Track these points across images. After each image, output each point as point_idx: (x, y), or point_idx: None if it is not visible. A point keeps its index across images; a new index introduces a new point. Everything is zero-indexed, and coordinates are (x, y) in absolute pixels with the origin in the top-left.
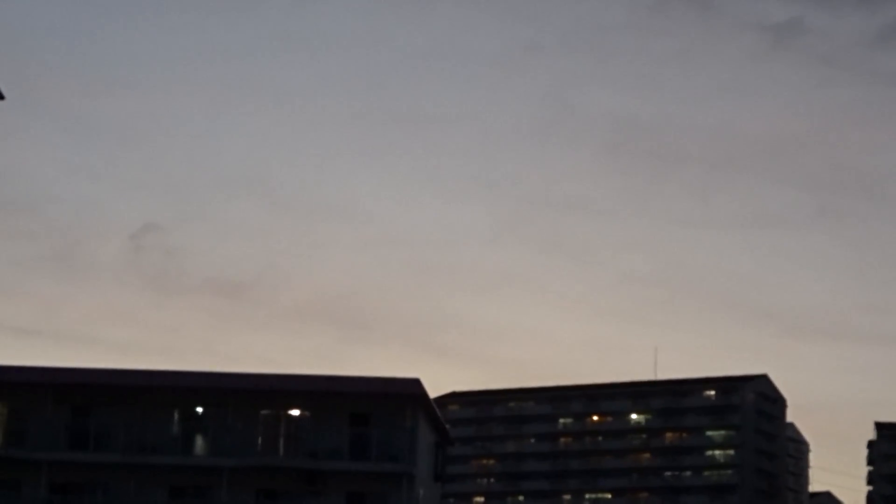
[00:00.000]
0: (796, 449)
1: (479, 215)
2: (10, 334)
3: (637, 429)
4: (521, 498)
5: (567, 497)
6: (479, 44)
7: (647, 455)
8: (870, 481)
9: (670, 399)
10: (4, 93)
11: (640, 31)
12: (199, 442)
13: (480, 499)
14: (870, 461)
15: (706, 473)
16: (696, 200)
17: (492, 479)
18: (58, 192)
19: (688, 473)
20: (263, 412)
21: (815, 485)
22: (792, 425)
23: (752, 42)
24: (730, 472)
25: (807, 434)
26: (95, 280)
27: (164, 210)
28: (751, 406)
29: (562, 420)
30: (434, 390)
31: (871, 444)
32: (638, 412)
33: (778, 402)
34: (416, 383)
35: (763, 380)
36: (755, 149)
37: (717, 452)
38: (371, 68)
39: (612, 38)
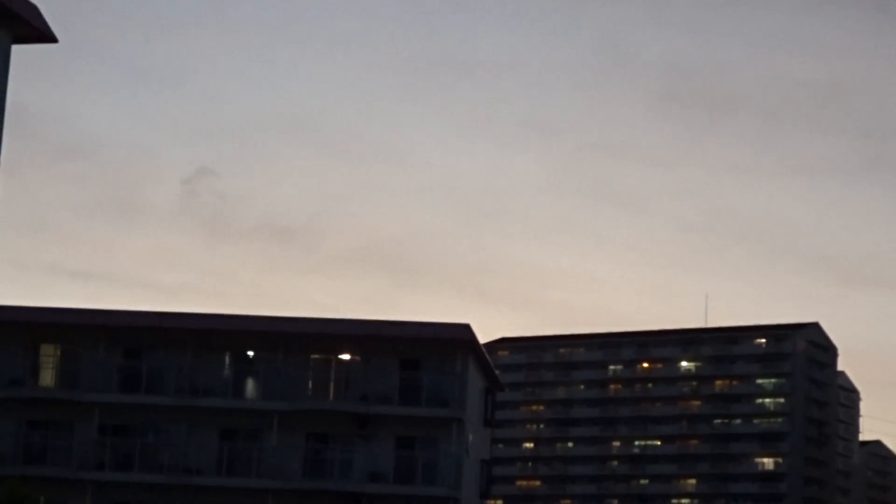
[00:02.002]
0: (847, 397)
1: (532, 162)
2: (64, 277)
3: (687, 376)
4: (570, 444)
5: (616, 444)
6: None
7: (696, 402)
8: None
9: (721, 346)
10: (58, 35)
11: None
12: (250, 385)
13: (530, 444)
14: None
15: (756, 421)
16: (748, 148)
17: (541, 425)
18: (112, 137)
19: (737, 421)
20: (314, 356)
21: (866, 433)
22: (843, 373)
23: None
24: (780, 420)
25: (857, 382)
26: (149, 224)
27: (217, 155)
28: (801, 354)
29: (612, 367)
30: (484, 336)
31: None
32: (688, 359)
33: (829, 350)
34: (466, 328)
35: (814, 328)
36: (808, 96)
37: (767, 400)
38: (425, 13)
39: None
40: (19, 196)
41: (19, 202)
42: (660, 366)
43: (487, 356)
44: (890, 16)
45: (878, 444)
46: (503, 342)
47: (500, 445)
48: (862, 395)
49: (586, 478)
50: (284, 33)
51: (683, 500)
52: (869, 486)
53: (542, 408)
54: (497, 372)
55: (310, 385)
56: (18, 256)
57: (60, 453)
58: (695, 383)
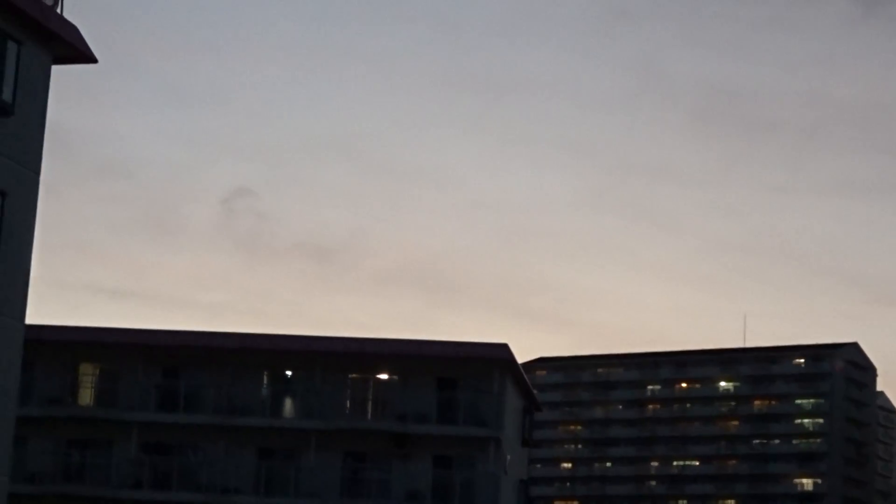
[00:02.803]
0: (886, 418)
1: (569, 181)
2: (103, 296)
3: (725, 396)
4: (608, 464)
5: (654, 464)
6: (569, 9)
7: (735, 422)
8: None
9: (759, 366)
10: (97, 55)
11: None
12: (288, 404)
13: (567, 464)
14: None
15: (795, 441)
16: (785, 167)
17: (579, 445)
18: (151, 156)
19: (776, 441)
20: (352, 375)
21: None
22: (882, 394)
23: (844, 9)
24: (818, 440)
25: None
26: (188, 243)
27: (255, 175)
28: (840, 374)
29: (650, 386)
30: (522, 355)
31: None
32: (726, 379)
33: (868, 370)
34: (503, 348)
35: (853, 347)
36: (845, 116)
37: (805, 420)
38: (462, 34)
39: (704, 4)
40: (59, 215)
41: (59, 222)
42: (698, 385)
43: (525, 375)
44: None
45: None
46: (541, 361)
47: (538, 465)
48: None
49: (624, 498)
50: (322, 54)
51: None
52: None
53: (579, 427)
54: (535, 391)
55: (347, 404)
56: (58, 276)
57: (99, 472)
58: (733, 403)
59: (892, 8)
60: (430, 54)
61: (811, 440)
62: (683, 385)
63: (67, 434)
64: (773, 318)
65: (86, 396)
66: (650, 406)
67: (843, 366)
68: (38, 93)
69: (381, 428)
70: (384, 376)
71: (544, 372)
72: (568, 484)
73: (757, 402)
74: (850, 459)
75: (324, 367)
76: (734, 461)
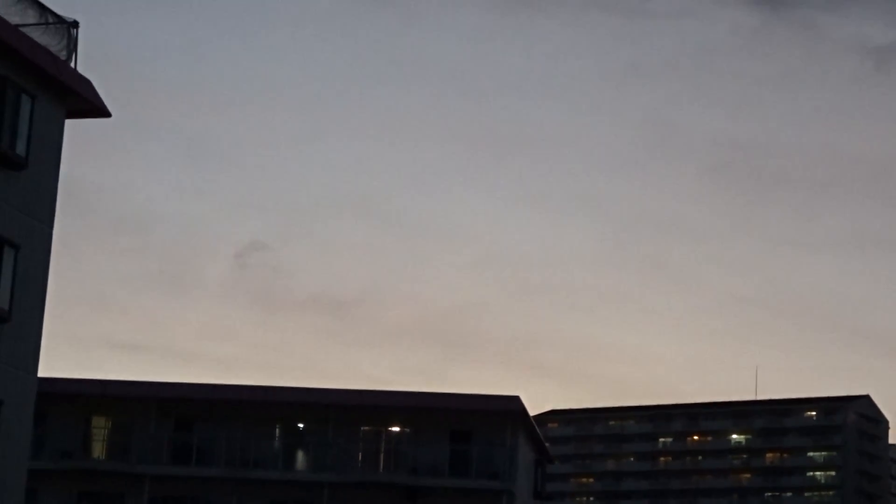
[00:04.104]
0: None
1: (582, 235)
2: (116, 349)
3: (738, 448)
4: None
5: None
6: (581, 66)
7: (747, 475)
8: None
9: (771, 419)
10: (112, 110)
11: (743, 53)
12: (301, 457)
13: None
14: None
15: (807, 495)
16: (798, 222)
17: (591, 498)
18: (166, 211)
19: (788, 494)
20: (364, 428)
21: None
22: (894, 447)
23: (855, 65)
24: (831, 493)
25: None
26: (201, 297)
27: (269, 229)
28: (853, 426)
29: (662, 439)
30: (534, 408)
31: None
32: (739, 432)
33: (881, 422)
34: (516, 401)
35: (865, 400)
36: (857, 171)
37: (818, 473)
38: (475, 91)
39: (715, 60)
40: (73, 269)
41: (73, 275)
42: (710, 438)
43: (537, 428)
44: None
45: None
46: (553, 414)
47: None
48: None
49: None
50: (336, 111)
51: None
52: None
53: (592, 480)
54: (547, 444)
55: (360, 457)
56: (73, 329)
57: None
58: (745, 456)
59: None
60: (443, 112)
61: (824, 493)
62: (696, 438)
63: (79, 487)
64: (784, 372)
65: (98, 449)
66: (662, 459)
67: (855, 418)
68: (51, 147)
69: (394, 481)
70: (396, 429)
71: (556, 424)
72: None
73: (769, 455)
74: None
75: (336, 419)
76: None
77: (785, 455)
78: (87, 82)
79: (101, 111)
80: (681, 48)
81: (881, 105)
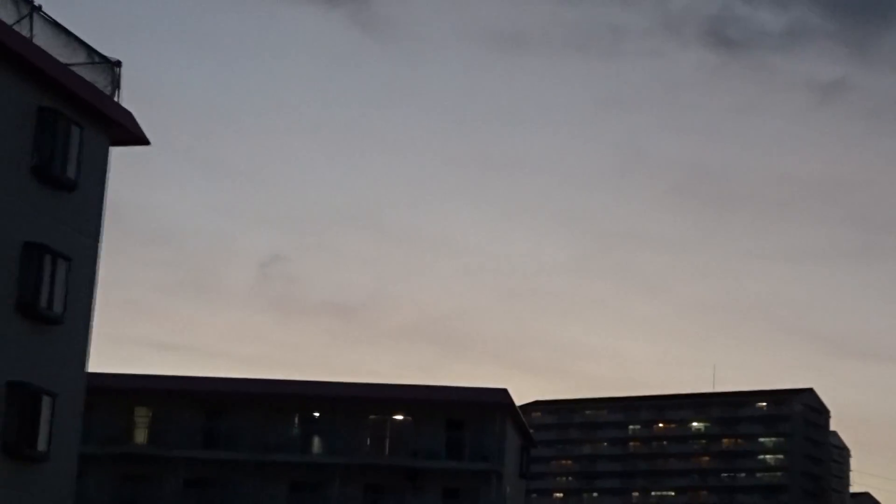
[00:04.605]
0: (839, 454)
1: (562, 247)
2: (153, 349)
3: (697, 435)
4: (595, 494)
5: (635, 494)
6: (562, 98)
7: (706, 458)
8: None
9: (727, 409)
10: (150, 139)
11: (704, 88)
12: (316, 443)
13: (559, 494)
14: None
15: (759, 475)
16: (752, 236)
17: (569, 478)
18: (195, 227)
19: (742, 475)
20: (371, 417)
21: (856, 486)
22: (835, 433)
23: (803, 98)
24: (780, 474)
25: (848, 441)
26: (227, 303)
27: (287, 242)
28: (798, 416)
29: (631, 427)
30: (519, 399)
31: None
32: (698, 420)
33: (823, 413)
34: (504, 393)
35: (810, 393)
36: (805, 192)
37: (768, 457)
38: (469, 120)
39: (679, 94)
40: (115, 278)
41: (115, 284)
42: (674, 426)
43: (523, 417)
44: (876, 121)
45: (867, 496)
46: (537, 405)
47: (534, 495)
48: (852, 453)
49: None
50: (346, 136)
51: None
52: None
53: (570, 462)
54: (531, 431)
55: (367, 442)
56: (114, 331)
57: (150, 502)
58: (704, 441)
59: (845, 97)
60: (440, 138)
61: (773, 474)
62: (661, 426)
63: (122, 470)
64: (739, 367)
65: (139, 436)
66: (632, 444)
67: (800, 409)
68: (98, 171)
69: (396, 463)
70: (399, 418)
71: (539, 414)
72: None
73: (725, 441)
74: (807, 491)
75: (346, 410)
76: (705, 492)
77: (739, 441)
78: (129, 114)
79: (141, 139)
80: (650, 83)
81: (825, 134)
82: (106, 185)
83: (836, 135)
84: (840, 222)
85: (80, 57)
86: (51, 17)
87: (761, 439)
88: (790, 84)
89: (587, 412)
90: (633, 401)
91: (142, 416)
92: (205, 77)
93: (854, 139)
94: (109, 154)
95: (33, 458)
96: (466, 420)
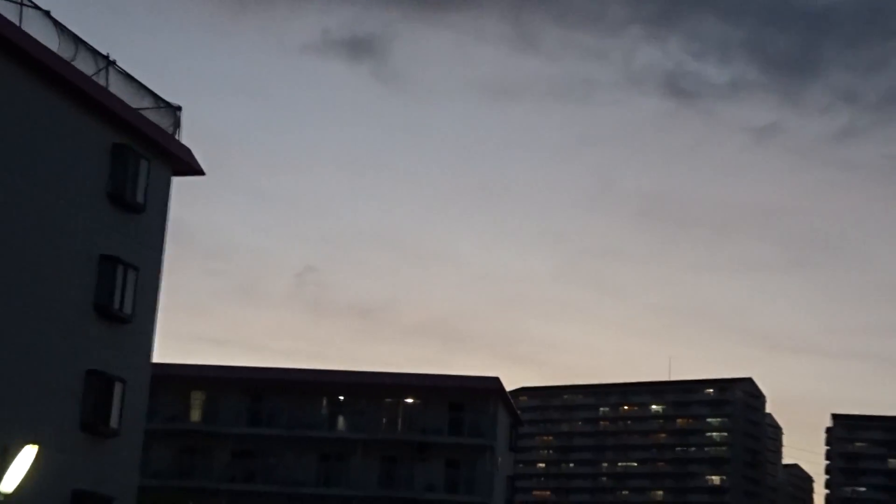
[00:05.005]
0: (773, 432)
1: (546, 261)
2: (207, 343)
3: (656, 416)
4: (571, 465)
5: (605, 465)
6: (546, 138)
7: (663, 435)
8: (827, 457)
9: (681, 394)
10: (205, 170)
11: (661, 129)
12: (340, 421)
13: (542, 465)
14: (827, 442)
15: (706, 449)
16: (701, 252)
17: (550, 451)
18: (243, 243)
19: (693, 449)
20: (386, 400)
21: (787, 459)
22: (769, 415)
23: (742, 139)
24: (724, 448)
25: (781, 421)
26: (268, 305)
27: (319, 256)
28: (740, 401)
29: (601, 409)
30: (509, 386)
31: (828, 430)
32: (657, 404)
33: (760, 398)
34: (496, 381)
35: (749, 381)
36: (746, 216)
37: (714, 434)
38: (469, 156)
39: (641, 134)
40: (177, 286)
41: (177, 290)
42: (636, 408)
43: (511, 401)
44: (804, 158)
45: (796, 466)
46: (523, 391)
47: (521, 465)
48: (784, 431)
49: (583, 490)
50: (368, 170)
51: None
52: (790, 497)
53: (550, 439)
54: (518, 412)
55: (383, 421)
56: (176, 329)
57: (203, 471)
58: (661, 421)
59: (778, 138)
60: (445, 170)
61: (718, 448)
62: (626, 408)
63: (180, 443)
64: (691, 360)
65: (194, 415)
66: (602, 423)
67: (741, 395)
68: (161, 196)
69: (408, 438)
70: (409, 401)
71: (525, 398)
72: (542, 479)
73: (679, 421)
74: (747, 463)
75: (366, 394)
76: (662, 464)
77: (690, 421)
78: (188, 150)
79: (197, 171)
80: (616, 126)
81: (760, 169)
82: (168, 208)
83: (769, 170)
84: (772, 241)
85: (148, 102)
86: (123, 69)
87: (709, 420)
88: (732, 127)
89: (565, 397)
90: (603, 388)
91: (197, 398)
92: (251, 119)
93: (784, 173)
94: (171, 182)
95: (106, 433)
96: (465, 403)
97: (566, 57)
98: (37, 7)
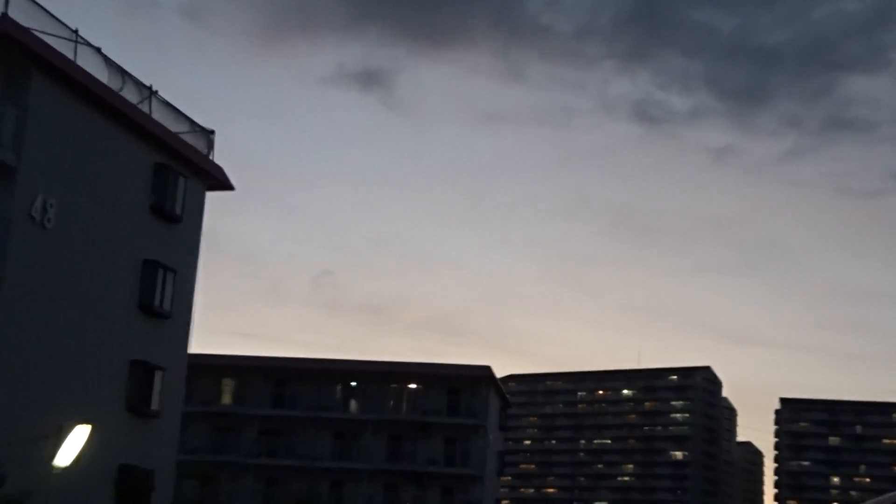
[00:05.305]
0: (728, 414)
1: (530, 265)
2: (236, 336)
3: (627, 399)
4: (553, 442)
5: (582, 442)
6: (531, 158)
7: (633, 416)
8: (776, 435)
9: (649, 380)
10: (235, 186)
11: (632, 151)
12: (353, 404)
13: (528, 442)
14: (776, 422)
15: (671, 428)
16: (667, 256)
17: (535, 430)
18: (267, 249)
19: (659, 428)
20: (392, 386)
21: (741, 437)
22: (726, 398)
23: (702, 159)
24: (685, 427)
25: (736, 404)
26: (291, 303)
27: (333, 260)
28: (699, 386)
29: (579, 393)
30: (499, 373)
31: (777, 412)
32: (628, 389)
33: (717, 383)
34: (487, 369)
35: (708, 369)
36: (706, 226)
37: (677, 415)
38: (464, 173)
39: (613, 155)
40: (210, 286)
41: (210, 290)
42: (609, 393)
43: (501, 386)
44: (755, 176)
45: (749, 444)
46: (512, 377)
47: (509, 443)
48: (738, 412)
49: (563, 464)
50: (377, 185)
51: (626, 478)
52: (743, 471)
53: (535, 419)
54: (508, 396)
55: (390, 404)
56: (209, 324)
57: (233, 447)
58: (632, 404)
59: (732, 157)
60: (444, 185)
61: (681, 428)
62: (601, 393)
63: (214, 423)
64: (657, 351)
65: (225, 399)
66: (580, 406)
67: (701, 381)
68: (197, 209)
69: (412, 419)
70: (413, 386)
71: (513, 384)
72: (528, 454)
73: (647, 404)
74: (705, 440)
75: (375, 380)
76: (632, 441)
77: (657, 403)
78: (220, 168)
79: (228, 186)
80: (592, 147)
81: (718, 185)
82: (202, 219)
83: (724, 186)
84: (728, 248)
85: (185, 126)
86: (164, 98)
87: (672, 403)
88: (692, 149)
89: (548, 383)
90: (581, 375)
91: (227, 384)
92: (276, 141)
93: (737, 189)
94: (205, 196)
95: (148, 414)
96: (461, 388)
97: (548, 88)
98: (89, 44)
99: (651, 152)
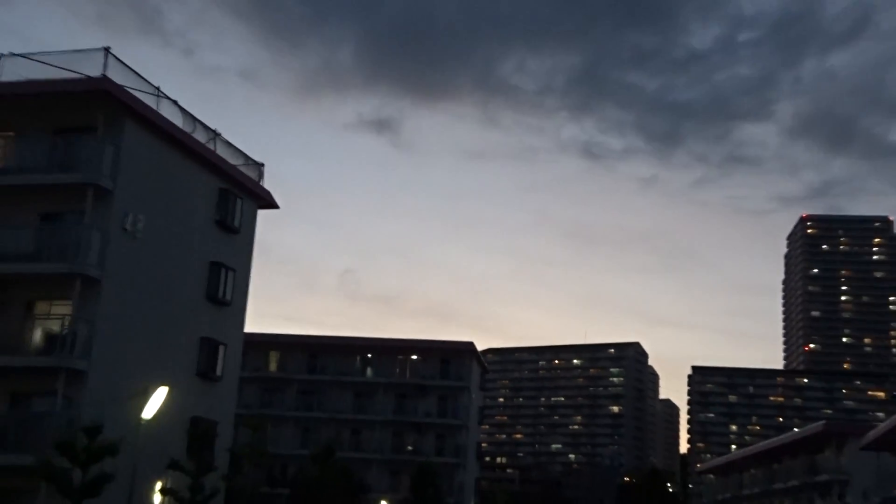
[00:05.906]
0: (653, 378)
1: (503, 265)
2: (280, 319)
3: (576, 367)
4: (521, 399)
5: (542, 399)
6: (504, 186)
7: (581, 380)
8: (688, 394)
9: (593, 354)
10: (280, 205)
11: (580, 181)
12: (369, 370)
13: (501, 399)
14: (689, 384)
15: (609, 389)
16: (607, 261)
17: (507, 391)
18: (305, 253)
19: (600, 389)
20: (399, 357)
21: (662, 395)
22: (651, 366)
23: (633, 186)
24: (620, 388)
25: (658, 371)
26: (321, 295)
27: (355, 262)
28: (631, 357)
29: (540, 363)
30: (480, 347)
31: (689, 377)
32: (578, 359)
33: (644, 355)
34: (471, 344)
35: (637, 345)
36: (636, 237)
37: (614, 379)
38: (454, 197)
39: (567, 184)
40: (260, 282)
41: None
42: (563, 362)
43: (482, 357)
44: (672, 198)
45: (668, 401)
46: (489, 350)
47: (487, 400)
48: (660, 377)
49: (528, 416)
50: (386, 206)
51: (575, 427)
52: (664, 421)
53: (507, 382)
54: (486, 364)
55: (397, 371)
56: (260, 310)
57: (278, 404)
58: (580, 370)
59: (656, 185)
60: (438, 207)
61: (617, 389)
62: (556, 362)
63: (263, 385)
64: (600, 331)
65: (272, 367)
66: (541, 372)
67: (632, 353)
68: (250, 223)
69: (413, 382)
70: (414, 357)
71: (491, 356)
72: (502, 409)
73: (591, 371)
74: (635, 398)
75: (387, 352)
76: (581, 398)
77: (599, 370)
78: (268, 192)
79: (274, 206)
80: (550, 178)
81: (645, 206)
82: (255, 231)
83: (650, 207)
84: (653, 254)
85: (241, 160)
86: (225, 139)
87: (611, 370)
88: (626, 179)
89: (516, 355)
90: (542, 349)
91: (273, 356)
92: (310, 171)
93: (660, 209)
94: (257, 213)
95: (213, 378)
96: (451, 359)
97: (517, 132)
98: (168, 98)
99: (594, 181)
